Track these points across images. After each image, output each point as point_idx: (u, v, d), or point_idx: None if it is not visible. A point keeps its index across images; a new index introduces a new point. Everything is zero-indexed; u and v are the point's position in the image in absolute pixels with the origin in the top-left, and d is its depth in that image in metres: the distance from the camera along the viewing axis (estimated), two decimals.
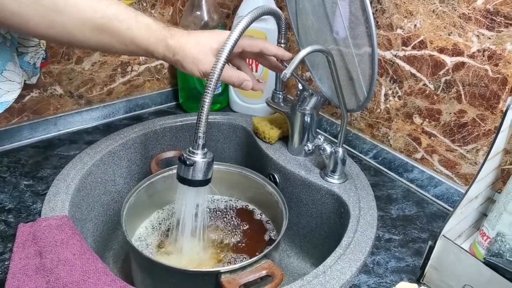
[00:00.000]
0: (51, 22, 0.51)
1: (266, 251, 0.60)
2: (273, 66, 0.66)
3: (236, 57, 0.64)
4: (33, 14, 0.50)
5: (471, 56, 0.62)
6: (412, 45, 0.69)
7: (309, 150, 0.72)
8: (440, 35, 0.65)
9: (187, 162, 0.59)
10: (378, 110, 0.78)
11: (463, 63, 0.64)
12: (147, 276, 0.64)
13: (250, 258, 0.69)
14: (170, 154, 0.81)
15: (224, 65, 0.54)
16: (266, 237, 0.74)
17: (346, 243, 0.60)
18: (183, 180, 0.61)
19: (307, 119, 0.75)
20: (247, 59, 0.67)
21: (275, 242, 0.63)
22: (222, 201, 0.81)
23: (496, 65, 0.60)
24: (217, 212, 0.78)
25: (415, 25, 0.68)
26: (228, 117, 0.91)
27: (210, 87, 0.54)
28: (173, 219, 0.74)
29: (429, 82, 0.69)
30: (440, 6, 0.64)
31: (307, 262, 0.81)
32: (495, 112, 0.62)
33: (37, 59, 0.67)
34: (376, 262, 0.59)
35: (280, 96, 0.78)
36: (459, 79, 0.65)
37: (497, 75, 0.60)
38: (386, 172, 0.78)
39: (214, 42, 0.57)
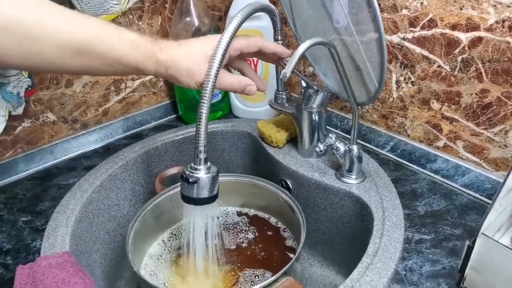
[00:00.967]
0: (26, 51, 0.46)
1: (285, 267, 0.55)
2: (276, 61, 0.61)
3: (236, 60, 0.59)
4: (5, 45, 0.45)
5: (489, 29, 0.56)
6: (420, 25, 0.63)
7: (321, 151, 0.66)
8: (451, 11, 0.59)
9: (190, 180, 0.54)
10: (391, 99, 0.72)
11: (480, 38, 0.58)
12: None
13: (270, 272, 0.64)
14: (174, 170, 0.76)
15: (218, 70, 0.49)
16: (285, 247, 0.68)
17: (373, 250, 0.54)
18: (188, 199, 0.56)
19: (315, 117, 0.70)
20: (248, 59, 0.62)
21: (295, 257, 0.57)
22: (233, 213, 0.76)
23: None
24: (230, 225, 0.73)
25: (422, 3, 0.62)
26: (231, 124, 0.86)
27: (205, 96, 0.49)
28: (183, 241, 0.69)
29: (444, 63, 0.63)
30: None
31: (331, 270, 0.76)
32: None
33: (21, 88, 0.63)
34: (409, 268, 0.53)
35: (284, 96, 0.73)
36: (477, 56, 0.59)
37: None
38: (407, 165, 0.72)
39: (207, 49, 0.52)
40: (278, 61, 0.60)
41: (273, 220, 0.74)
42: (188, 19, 0.80)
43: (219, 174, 0.63)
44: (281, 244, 0.69)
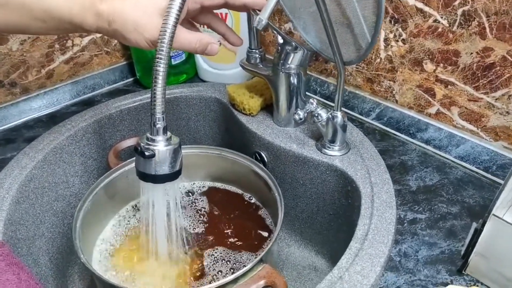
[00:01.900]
0: None
1: (262, 254, 0.47)
2: (247, 10, 0.51)
3: (201, 14, 0.50)
4: None
5: None
6: None
7: (300, 119, 0.58)
8: None
9: (146, 153, 0.45)
10: (378, 60, 0.64)
11: None
12: None
13: (245, 253, 0.57)
14: (131, 142, 0.66)
15: (175, 24, 0.39)
16: (260, 227, 0.61)
17: (362, 233, 0.47)
18: (145, 177, 0.47)
19: (294, 80, 0.61)
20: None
21: (271, 243, 0.49)
22: (200, 190, 0.67)
23: None
24: (197, 204, 0.65)
25: None
26: (197, 88, 0.76)
27: (161, 56, 0.40)
28: (141, 224, 0.60)
29: (442, 17, 0.55)
30: None
31: (310, 250, 0.69)
32: None
33: None
34: (403, 253, 0.46)
35: (257, 55, 0.63)
36: (481, 8, 0.51)
37: None
38: (394, 134, 0.64)
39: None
40: (246, 9, 0.50)
41: (246, 196, 0.66)
42: None
43: (183, 146, 0.54)
44: (256, 223, 0.61)
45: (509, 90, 0.52)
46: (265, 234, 0.60)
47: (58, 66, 0.74)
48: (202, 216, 0.63)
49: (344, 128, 0.58)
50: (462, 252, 0.43)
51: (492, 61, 0.52)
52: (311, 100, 0.58)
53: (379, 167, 0.56)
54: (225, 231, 0.60)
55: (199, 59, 0.79)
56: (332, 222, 0.63)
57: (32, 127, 0.70)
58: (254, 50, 0.63)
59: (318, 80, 0.74)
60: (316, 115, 0.58)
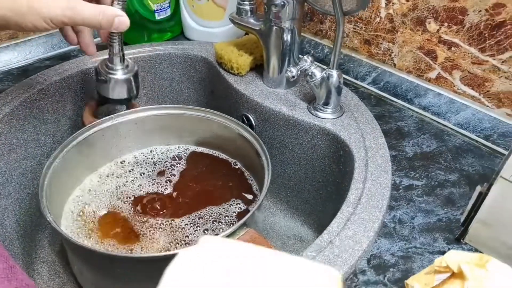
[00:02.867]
0: None
1: (245, 218, 0.43)
2: None
3: None
4: None
5: None
6: None
7: (293, 76, 0.53)
8: None
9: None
10: (378, 20, 0.59)
11: None
12: (88, 268, 0.47)
13: (227, 221, 0.53)
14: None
15: None
16: (244, 192, 0.57)
17: (355, 197, 0.43)
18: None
19: (287, 37, 0.56)
20: None
21: (255, 207, 0.46)
22: (183, 152, 0.63)
23: None
24: (180, 166, 0.60)
25: None
26: (182, 46, 0.71)
27: None
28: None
29: None
30: None
31: (296, 220, 0.65)
32: None
33: None
34: (398, 219, 0.43)
35: (248, 8, 0.58)
36: None
37: None
38: (391, 100, 0.61)
39: None
40: None
41: (231, 161, 0.61)
42: None
43: (165, 106, 0.53)
44: (240, 188, 0.58)
45: None
46: (249, 196, 0.56)
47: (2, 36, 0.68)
48: (184, 181, 0.58)
49: (339, 90, 0.54)
50: (462, 219, 0.40)
51: (502, 19, 0.48)
52: (305, 57, 0.54)
53: (374, 131, 0.52)
54: (208, 197, 0.56)
55: (186, 15, 0.73)
56: (321, 190, 0.59)
57: (0, 80, 0.64)
58: (245, 2, 0.58)
59: (312, 42, 0.69)
60: (310, 73, 0.54)
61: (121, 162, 0.61)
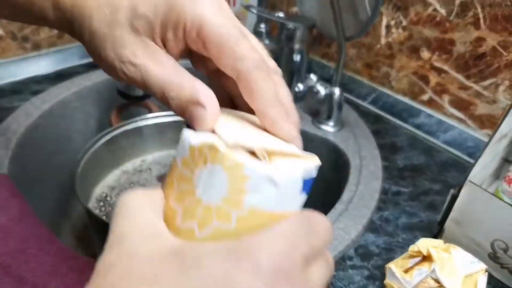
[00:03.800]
0: None
1: None
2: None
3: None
4: None
5: None
6: None
7: (300, 91, 0.60)
8: None
9: None
10: (378, 46, 0.67)
11: None
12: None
13: None
14: (135, 104, 0.69)
15: None
16: None
17: (347, 198, 0.50)
18: None
19: (296, 57, 0.64)
20: None
21: None
22: None
23: None
24: None
25: None
26: None
27: None
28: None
29: (440, 7, 0.58)
30: None
31: None
32: None
33: None
34: (384, 218, 0.49)
35: (263, 30, 0.66)
36: (477, 0, 0.54)
37: None
38: (387, 118, 0.67)
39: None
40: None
41: None
42: None
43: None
44: None
45: (497, 80, 0.55)
46: None
47: None
48: None
49: (340, 106, 0.61)
50: (439, 219, 0.46)
51: (483, 51, 0.55)
52: (311, 76, 0.61)
53: (370, 144, 0.59)
54: None
55: None
56: (320, 196, 0.65)
57: (40, 82, 0.72)
58: (261, 25, 0.66)
59: (319, 63, 0.77)
60: (315, 90, 0.61)
61: (142, 161, 0.68)
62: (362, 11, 0.50)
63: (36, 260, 0.41)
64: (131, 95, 0.63)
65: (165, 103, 0.24)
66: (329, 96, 0.60)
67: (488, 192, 0.41)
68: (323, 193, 0.65)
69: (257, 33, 0.67)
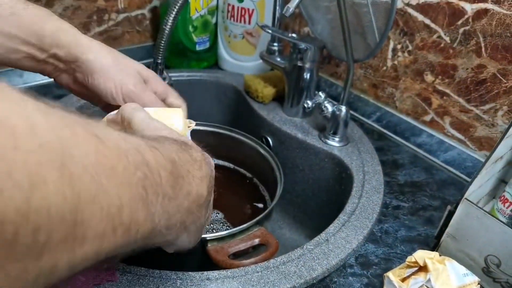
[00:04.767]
0: None
1: (258, 217, 0.53)
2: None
3: None
4: None
5: (497, 2, 0.55)
6: None
7: (308, 108, 0.64)
8: None
9: None
10: (384, 68, 0.70)
11: (486, 11, 0.56)
12: None
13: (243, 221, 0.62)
14: None
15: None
16: (259, 204, 0.66)
17: (350, 209, 0.53)
18: None
19: (306, 75, 0.67)
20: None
21: (268, 209, 0.55)
22: None
23: None
24: None
25: None
26: (216, 75, 0.83)
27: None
28: None
29: (445, 34, 0.61)
30: None
31: (300, 234, 0.74)
32: None
33: None
34: (384, 230, 0.52)
35: (276, 48, 0.70)
36: (480, 29, 0.58)
37: None
38: (391, 136, 0.71)
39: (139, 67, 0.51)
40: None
41: (248, 174, 0.71)
42: None
43: (198, 123, 0.62)
44: (254, 197, 0.67)
45: (496, 105, 0.58)
46: (262, 206, 0.66)
47: (93, 36, 0.80)
48: None
49: (346, 123, 0.64)
50: (436, 233, 0.49)
51: (484, 77, 0.59)
52: (320, 93, 0.65)
53: (373, 160, 0.62)
54: (225, 202, 0.66)
55: (222, 49, 0.85)
56: (324, 207, 0.69)
57: (61, 87, 0.76)
58: (274, 43, 0.70)
59: (328, 81, 0.81)
60: (323, 107, 0.64)
61: None
62: (371, 35, 0.54)
63: None
64: None
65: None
66: (336, 113, 0.63)
67: (482, 209, 0.44)
68: (327, 204, 0.68)
69: (270, 50, 0.70)
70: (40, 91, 0.73)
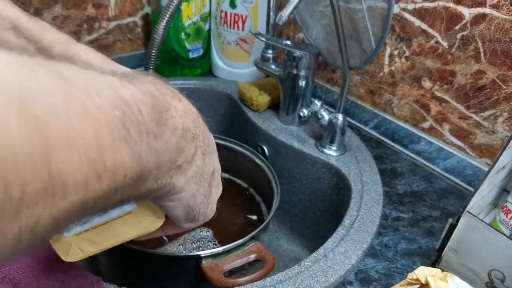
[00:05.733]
0: None
1: (254, 232, 0.51)
2: None
3: None
4: None
5: (495, 6, 0.54)
6: None
7: (304, 116, 0.62)
8: None
9: None
10: (381, 74, 0.69)
11: (484, 15, 0.55)
12: (115, 263, 0.55)
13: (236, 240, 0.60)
14: None
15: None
16: (252, 216, 0.65)
17: (349, 222, 0.51)
18: None
19: (302, 83, 0.66)
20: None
21: (265, 222, 0.54)
22: None
23: None
24: None
25: None
26: (210, 83, 0.81)
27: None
28: None
29: (443, 39, 0.60)
30: None
31: (298, 244, 0.73)
32: None
33: None
34: (384, 244, 0.50)
35: (271, 55, 0.68)
36: (478, 35, 0.56)
37: None
38: (389, 143, 0.69)
39: None
40: None
41: (244, 185, 0.70)
42: None
43: None
44: (250, 209, 0.66)
45: (496, 111, 0.57)
46: (258, 218, 0.64)
47: None
48: None
49: (343, 131, 0.62)
50: (437, 247, 0.47)
51: (483, 83, 0.57)
52: (316, 101, 0.63)
53: (371, 169, 0.61)
54: (221, 213, 0.64)
55: (215, 56, 0.84)
56: (322, 218, 0.67)
57: None
58: (268, 51, 0.68)
59: (323, 88, 0.79)
60: (319, 115, 0.63)
61: None
62: (366, 41, 0.52)
63: (46, 276, 0.42)
64: None
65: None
66: (333, 121, 0.61)
67: (486, 223, 0.42)
68: (325, 214, 0.66)
69: (264, 58, 0.69)
70: None
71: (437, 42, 0.61)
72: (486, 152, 0.60)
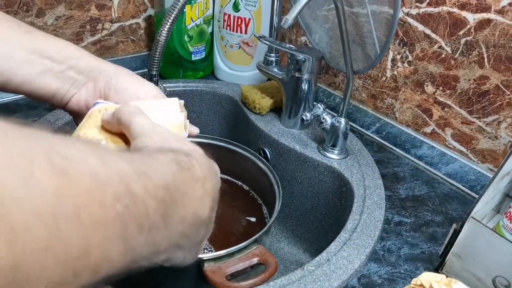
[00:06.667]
0: None
1: (257, 235, 0.51)
2: None
3: None
4: None
5: (500, 12, 0.54)
6: (427, 1, 0.60)
7: (307, 119, 0.62)
8: None
9: None
10: (384, 78, 0.69)
11: (488, 21, 0.55)
12: None
13: (240, 238, 0.60)
14: None
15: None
16: (255, 219, 0.64)
17: (352, 226, 0.51)
18: None
19: (304, 86, 0.66)
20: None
21: (267, 226, 0.53)
22: None
23: None
24: None
25: None
26: (212, 85, 0.81)
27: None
28: None
29: (446, 44, 0.60)
30: None
31: (299, 248, 0.72)
32: None
33: None
34: (387, 248, 0.50)
35: (273, 59, 0.68)
36: (482, 40, 0.56)
37: None
38: (391, 148, 0.69)
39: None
40: None
41: (246, 187, 0.70)
42: None
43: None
44: (252, 212, 0.65)
45: (499, 117, 0.57)
46: (260, 221, 0.64)
47: (86, 46, 0.78)
48: None
49: (345, 134, 0.62)
50: (441, 252, 0.47)
51: (487, 89, 0.57)
52: (318, 104, 0.63)
53: (374, 173, 0.61)
54: (222, 216, 0.64)
55: (218, 59, 0.84)
56: (323, 221, 0.67)
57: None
58: (271, 54, 0.68)
59: (326, 91, 0.79)
60: (322, 119, 0.62)
61: None
62: (370, 46, 0.52)
63: None
64: None
65: None
66: (335, 125, 0.61)
67: (490, 229, 0.42)
68: (327, 218, 0.66)
69: (267, 61, 0.69)
70: (31, 103, 0.71)
71: (440, 47, 0.61)
72: (489, 158, 0.60)
